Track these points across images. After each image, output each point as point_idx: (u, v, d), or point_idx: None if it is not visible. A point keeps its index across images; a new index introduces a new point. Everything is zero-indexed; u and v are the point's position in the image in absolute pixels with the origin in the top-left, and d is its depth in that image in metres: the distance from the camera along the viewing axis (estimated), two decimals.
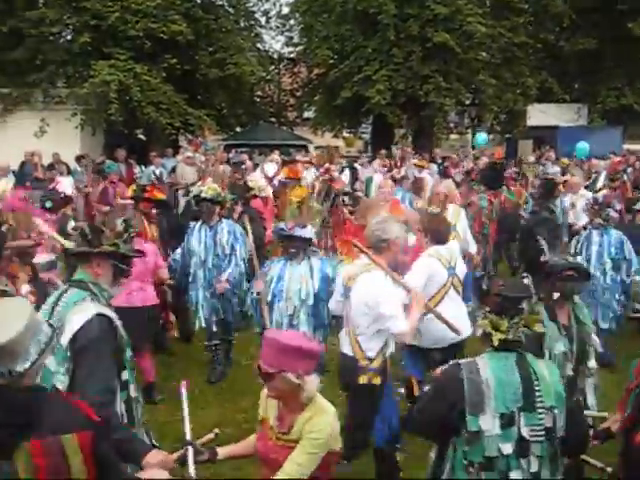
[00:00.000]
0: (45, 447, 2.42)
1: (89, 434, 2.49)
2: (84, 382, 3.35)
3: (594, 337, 4.72)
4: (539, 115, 24.65)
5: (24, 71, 19.74)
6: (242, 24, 24.71)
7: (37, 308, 5.39)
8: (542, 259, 4.71)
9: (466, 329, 5.24)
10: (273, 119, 26.97)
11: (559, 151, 19.95)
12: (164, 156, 17.67)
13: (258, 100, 26.68)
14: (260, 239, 8.54)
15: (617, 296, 7.61)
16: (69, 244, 3.99)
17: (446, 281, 5.55)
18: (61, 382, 3.43)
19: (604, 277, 7.58)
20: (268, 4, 26.81)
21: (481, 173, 12.73)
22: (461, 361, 3.33)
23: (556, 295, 4.44)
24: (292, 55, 27.31)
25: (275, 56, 27.44)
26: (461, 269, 5.88)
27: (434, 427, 3.28)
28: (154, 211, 7.89)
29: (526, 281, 3.37)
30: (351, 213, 9.59)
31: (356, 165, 17.33)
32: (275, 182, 13.73)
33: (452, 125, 27.67)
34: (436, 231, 5.74)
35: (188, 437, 3.37)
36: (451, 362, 3.44)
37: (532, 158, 18.72)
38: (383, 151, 19.28)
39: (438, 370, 3.71)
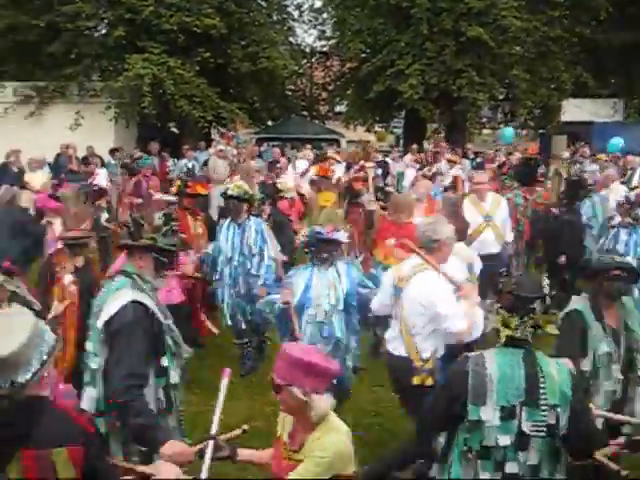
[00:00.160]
0: (37, 458, 2.46)
1: (80, 449, 2.52)
2: (113, 365, 3.52)
3: None
4: (574, 110, 24.29)
5: (60, 64, 19.99)
6: (275, 18, 24.73)
7: (80, 297, 5.59)
8: (585, 259, 4.64)
9: (477, 329, 5.10)
10: (305, 113, 26.97)
11: (594, 147, 19.66)
12: (197, 149, 17.83)
13: (290, 94, 26.66)
14: (291, 243, 8.54)
15: None
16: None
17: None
18: (95, 363, 3.66)
19: None
20: None
21: (515, 169, 12.62)
22: (470, 354, 3.43)
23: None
24: (324, 49, 27.20)
25: (307, 50, 27.37)
26: (478, 266, 5.89)
27: (443, 422, 3.41)
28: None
29: (543, 282, 3.32)
30: (383, 208, 9.57)
31: (388, 160, 17.27)
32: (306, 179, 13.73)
33: (485, 120, 27.40)
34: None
35: (213, 431, 3.30)
36: (461, 356, 3.52)
37: (566, 154, 18.46)
38: (415, 146, 19.19)
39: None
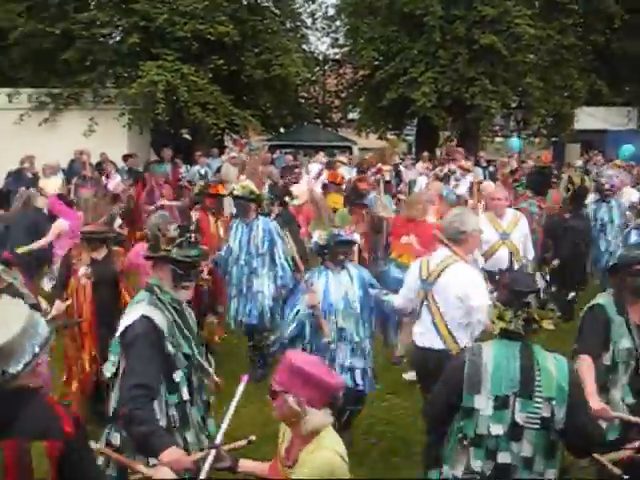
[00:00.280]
0: (16, 449, 2.53)
1: (58, 444, 2.56)
2: (123, 375, 3.61)
3: None
4: (587, 118, 24.21)
5: (74, 71, 20.14)
6: (288, 25, 24.79)
7: (95, 288, 5.81)
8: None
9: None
10: (318, 120, 27.02)
11: (608, 155, 19.56)
12: (209, 156, 17.89)
13: (303, 101, 26.74)
14: (303, 248, 8.52)
15: None
16: None
17: None
18: (109, 371, 3.75)
19: None
20: (314, 5, 26.87)
21: (528, 177, 12.55)
22: (469, 345, 3.63)
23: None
24: (337, 56, 27.28)
25: (320, 57, 27.47)
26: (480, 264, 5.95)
27: (445, 415, 3.45)
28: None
29: (535, 276, 3.39)
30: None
31: (400, 167, 17.24)
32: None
33: (497, 128, 27.35)
34: None
35: (218, 440, 3.26)
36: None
37: (580, 162, 18.39)
38: (426, 153, 19.16)
39: None
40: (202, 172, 16.17)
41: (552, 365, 3.27)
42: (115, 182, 14.14)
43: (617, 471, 3.51)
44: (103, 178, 14.56)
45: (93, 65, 20.35)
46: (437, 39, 21.56)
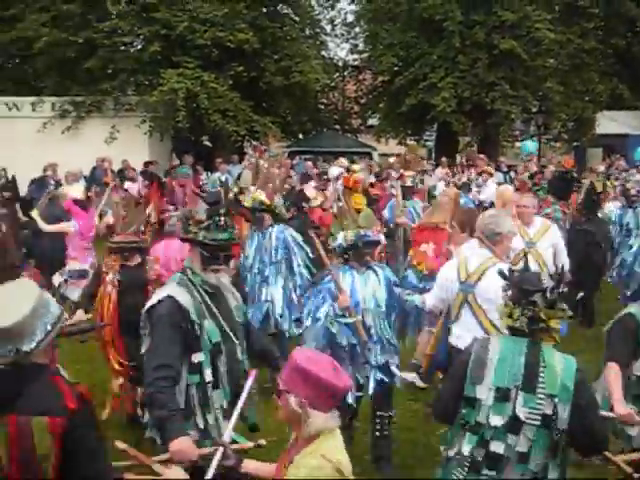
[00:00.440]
0: (17, 424, 2.62)
1: (61, 420, 2.63)
2: (146, 355, 3.69)
3: None
4: (609, 123, 24.01)
5: (96, 79, 20.41)
6: (307, 32, 24.90)
7: (122, 294, 5.85)
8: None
9: None
10: (337, 126, 27.06)
11: (630, 160, 19.39)
12: (230, 163, 17.98)
13: (322, 107, 26.83)
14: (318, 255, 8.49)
15: None
16: None
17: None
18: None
19: None
20: (333, 12, 27.03)
21: (550, 183, 12.48)
22: (479, 337, 3.64)
23: None
24: (357, 62, 27.35)
25: (340, 63, 27.54)
26: None
27: (453, 410, 3.46)
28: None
29: (541, 276, 3.42)
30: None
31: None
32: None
33: (517, 133, 27.23)
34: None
35: (226, 437, 3.28)
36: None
37: (602, 167, 18.23)
38: (444, 158, 19.10)
39: None
40: (222, 179, 16.22)
41: (559, 364, 3.29)
42: (134, 187, 14.27)
43: (629, 470, 3.52)
44: (127, 183, 14.69)
45: (115, 73, 20.63)
46: (457, 44, 21.52)
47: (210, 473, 3.13)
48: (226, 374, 3.80)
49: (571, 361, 3.34)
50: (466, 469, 3.34)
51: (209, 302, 3.80)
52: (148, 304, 3.78)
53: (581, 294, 9.20)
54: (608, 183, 14.12)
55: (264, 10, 22.44)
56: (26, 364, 2.72)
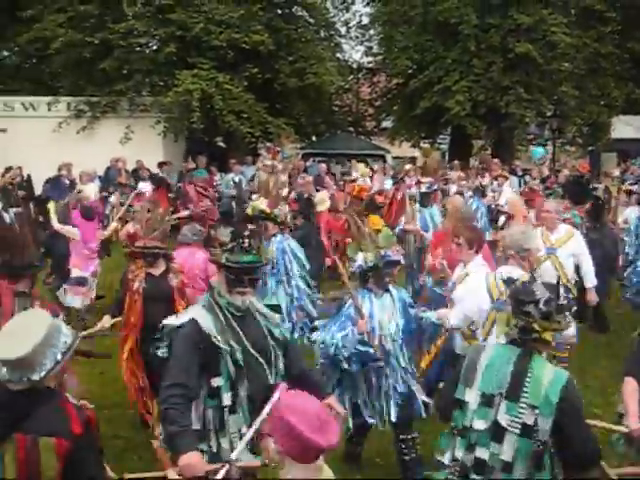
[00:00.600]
0: (26, 444, 2.74)
1: (66, 442, 2.74)
2: (164, 374, 3.69)
3: None
4: (624, 127, 23.85)
5: (112, 80, 20.48)
6: (322, 34, 24.89)
7: (146, 304, 5.83)
8: None
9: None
10: (351, 128, 27.05)
11: None
12: (244, 164, 18.03)
13: (337, 109, 26.84)
14: (320, 265, 8.44)
15: None
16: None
17: None
18: None
19: None
20: (348, 14, 27.02)
21: (565, 187, 12.41)
22: (477, 344, 3.86)
23: None
24: (371, 65, 27.33)
25: (354, 66, 27.53)
26: None
27: (452, 408, 3.53)
28: None
29: (540, 286, 3.45)
30: None
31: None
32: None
33: (531, 137, 27.11)
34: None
35: (234, 455, 3.24)
36: None
37: (616, 172, 18.11)
38: (456, 162, 19.01)
39: None
40: (236, 180, 16.33)
41: (547, 376, 3.30)
42: (149, 188, 14.34)
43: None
44: (140, 183, 14.77)
45: (130, 74, 20.70)
46: (472, 48, 21.47)
47: None
48: (246, 399, 3.76)
49: (561, 376, 3.34)
50: (457, 474, 3.42)
51: (235, 325, 3.74)
52: (169, 322, 3.77)
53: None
54: (622, 187, 14.07)
55: (279, 12, 22.50)
56: (38, 388, 2.82)
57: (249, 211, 7.39)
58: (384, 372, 5.15)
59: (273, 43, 20.61)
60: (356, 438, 5.47)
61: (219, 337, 3.66)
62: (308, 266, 7.74)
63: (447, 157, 27.15)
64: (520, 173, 17.76)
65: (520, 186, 15.27)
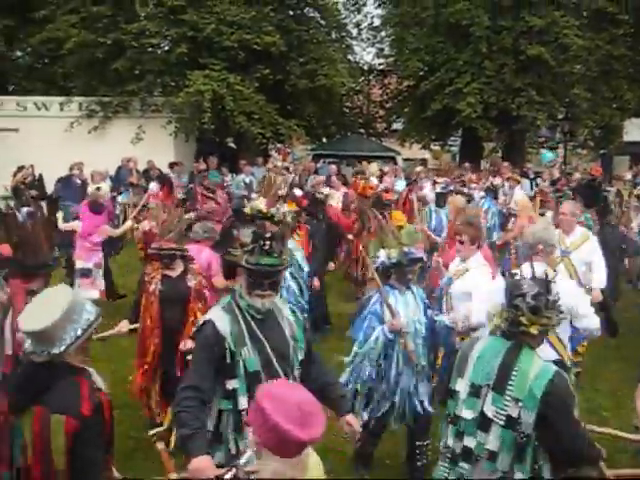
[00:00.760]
0: (41, 418, 2.86)
1: (75, 421, 2.85)
2: (185, 374, 3.77)
3: None
4: (636, 130, 23.74)
5: (124, 80, 20.56)
6: (334, 36, 24.89)
7: (163, 306, 5.83)
8: None
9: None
10: (362, 130, 27.04)
11: None
12: (254, 165, 18.03)
13: (347, 111, 26.83)
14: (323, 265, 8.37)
15: None
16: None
17: None
18: None
19: None
20: (360, 16, 27.01)
21: (577, 190, 12.36)
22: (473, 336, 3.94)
23: None
24: (382, 66, 27.28)
25: (365, 67, 27.49)
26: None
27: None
28: None
29: (523, 281, 3.50)
30: None
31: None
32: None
33: (542, 139, 27.00)
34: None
35: (242, 460, 3.09)
36: None
37: (629, 175, 18.00)
38: (467, 164, 18.95)
39: None
40: (247, 181, 16.33)
41: (533, 370, 3.35)
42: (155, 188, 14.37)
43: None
44: (151, 184, 14.78)
45: (142, 74, 20.77)
46: (483, 50, 21.40)
47: None
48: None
49: (549, 371, 3.36)
50: (447, 461, 3.54)
51: (255, 328, 3.68)
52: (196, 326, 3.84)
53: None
54: (634, 192, 13.99)
55: (291, 13, 22.52)
56: (58, 362, 2.93)
57: (247, 211, 7.36)
58: (407, 371, 5.14)
59: (284, 44, 20.66)
60: (371, 439, 5.42)
61: (232, 340, 3.62)
62: (307, 268, 7.70)
63: (458, 159, 27.09)
64: (532, 176, 17.70)
65: (532, 189, 15.21)
